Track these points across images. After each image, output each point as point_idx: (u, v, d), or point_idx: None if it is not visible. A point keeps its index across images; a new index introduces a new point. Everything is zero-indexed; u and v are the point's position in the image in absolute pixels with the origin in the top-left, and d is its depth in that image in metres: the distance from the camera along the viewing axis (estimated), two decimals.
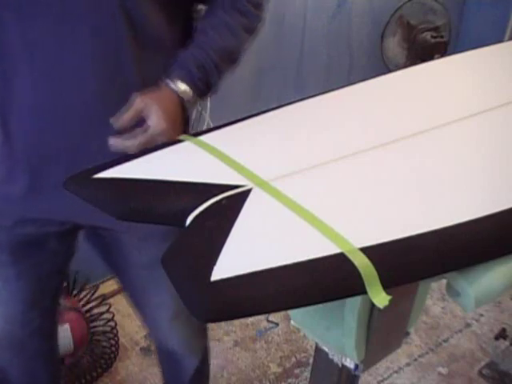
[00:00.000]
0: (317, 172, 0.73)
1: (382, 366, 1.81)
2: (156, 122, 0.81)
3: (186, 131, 0.91)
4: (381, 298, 0.57)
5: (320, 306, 0.61)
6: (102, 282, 1.89)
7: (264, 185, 0.69)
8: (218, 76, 0.91)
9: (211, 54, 0.88)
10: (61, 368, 1.28)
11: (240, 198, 0.67)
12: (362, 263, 0.57)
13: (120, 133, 0.81)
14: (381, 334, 0.74)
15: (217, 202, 0.66)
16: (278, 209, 0.65)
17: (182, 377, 1.25)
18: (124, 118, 0.81)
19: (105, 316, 1.70)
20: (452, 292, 0.70)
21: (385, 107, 0.93)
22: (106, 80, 0.85)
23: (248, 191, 0.68)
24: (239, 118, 0.86)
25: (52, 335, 1.19)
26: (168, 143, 0.81)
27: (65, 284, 1.59)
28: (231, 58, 0.93)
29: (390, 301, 0.57)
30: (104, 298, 1.72)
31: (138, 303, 1.17)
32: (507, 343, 1.86)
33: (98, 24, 0.82)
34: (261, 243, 0.61)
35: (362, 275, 0.57)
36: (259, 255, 0.58)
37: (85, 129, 0.89)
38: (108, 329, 1.72)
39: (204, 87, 0.89)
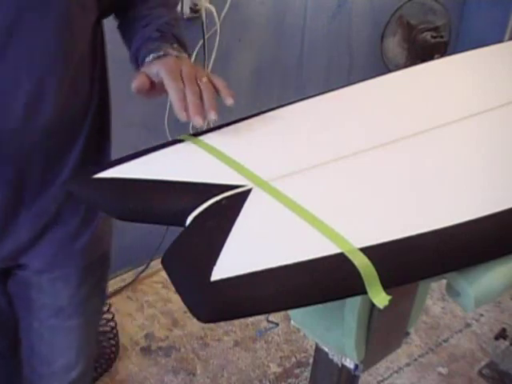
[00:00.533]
0: (317, 172, 0.73)
1: (382, 366, 1.82)
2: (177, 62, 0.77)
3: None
4: (381, 298, 0.57)
5: (320, 306, 0.61)
6: None
7: (264, 185, 0.69)
8: (178, 29, 0.88)
9: (158, 23, 0.87)
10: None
11: (240, 198, 0.67)
12: (362, 263, 0.57)
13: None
14: (381, 334, 0.74)
15: (217, 202, 0.66)
16: (278, 209, 0.65)
17: None
18: (136, 81, 0.77)
19: (105, 316, 1.69)
20: (452, 292, 0.70)
21: (385, 107, 0.93)
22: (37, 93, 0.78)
23: (248, 191, 0.68)
24: (239, 118, 0.86)
25: (13, 354, 1.09)
26: (168, 143, 0.81)
27: None
28: (177, 23, 0.92)
29: (390, 301, 0.57)
30: None
31: (39, 365, 1.05)
32: (507, 343, 1.86)
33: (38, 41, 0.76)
34: (261, 243, 0.60)
35: (362, 275, 0.57)
36: (259, 255, 0.58)
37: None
38: (108, 329, 1.72)
39: (174, 40, 0.85)
